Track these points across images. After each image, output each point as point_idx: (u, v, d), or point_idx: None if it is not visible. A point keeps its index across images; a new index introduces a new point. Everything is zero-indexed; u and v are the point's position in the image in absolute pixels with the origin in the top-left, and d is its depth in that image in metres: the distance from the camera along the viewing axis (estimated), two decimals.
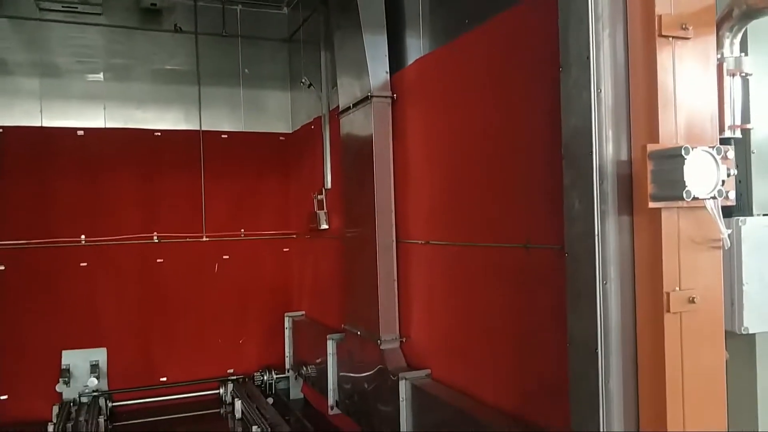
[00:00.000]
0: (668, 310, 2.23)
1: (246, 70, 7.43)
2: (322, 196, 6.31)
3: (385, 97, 4.72)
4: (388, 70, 4.76)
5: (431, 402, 3.88)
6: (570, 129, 2.52)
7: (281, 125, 7.59)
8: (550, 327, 3.01)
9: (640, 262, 2.34)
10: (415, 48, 4.57)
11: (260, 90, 7.56)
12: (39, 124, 6.63)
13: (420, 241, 4.40)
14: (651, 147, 2.28)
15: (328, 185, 6.24)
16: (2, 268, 6.39)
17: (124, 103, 6.96)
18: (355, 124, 5.06)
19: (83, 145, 6.74)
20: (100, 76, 6.91)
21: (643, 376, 2.32)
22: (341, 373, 5.43)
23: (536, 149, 3.14)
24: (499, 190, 3.49)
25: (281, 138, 7.58)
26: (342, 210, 5.57)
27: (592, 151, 2.38)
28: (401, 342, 4.61)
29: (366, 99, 4.77)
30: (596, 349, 2.33)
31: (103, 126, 6.85)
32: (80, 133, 6.74)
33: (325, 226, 6.21)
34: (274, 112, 7.60)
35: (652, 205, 2.26)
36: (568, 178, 2.52)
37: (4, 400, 6.32)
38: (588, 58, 2.41)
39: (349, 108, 5.13)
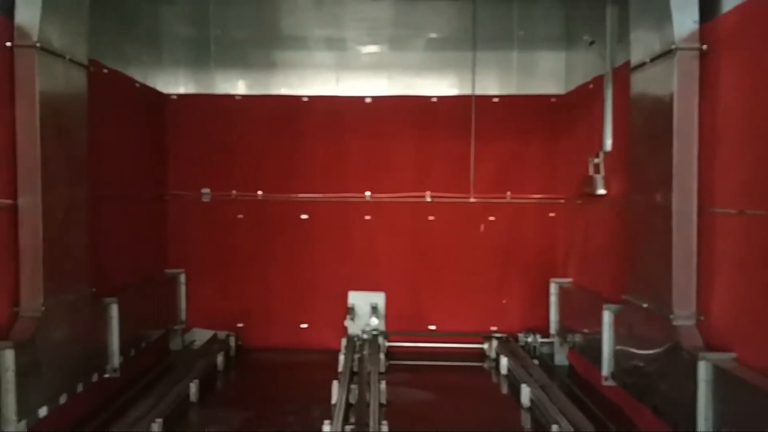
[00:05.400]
0: None
1: (521, 32, 7.37)
2: (599, 160, 6.00)
3: (694, 49, 4.23)
4: (697, 19, 4.25)
5: (743, 388, 3.48)
6: None
7: (553, 87, 7.41)
8: None
9: None
10: None
11: (533, 52, 7.46)
12: (335, 94, 7.54)
13: (731, 211, 3.91)
14: None
15: (608, 148, 5.90)
16: (306, 216, 7.53)
17: (404, 72, 7.53)
18: (651, 80, 4.65)
19: (370, 111, 7.48)
20: (386, 46, 7.54)
21: None
22: (618, 346, 5.21)
23: None
24: None
25: (552, 100, 7.40)
26: (626, 174, 5.22)
27: None
28: (698, 320, 4.21)
29: (668, 52, 4.33)
30: None
31: (386, 94, 7.50)
32: (368, 100, 7.49)
33: (602, 191, 5.92)
34: (545, 74, 7.45)
35: None
36: None
37: (305, 328, 7.53)
38: None
39: (644, 63, 4.73)
